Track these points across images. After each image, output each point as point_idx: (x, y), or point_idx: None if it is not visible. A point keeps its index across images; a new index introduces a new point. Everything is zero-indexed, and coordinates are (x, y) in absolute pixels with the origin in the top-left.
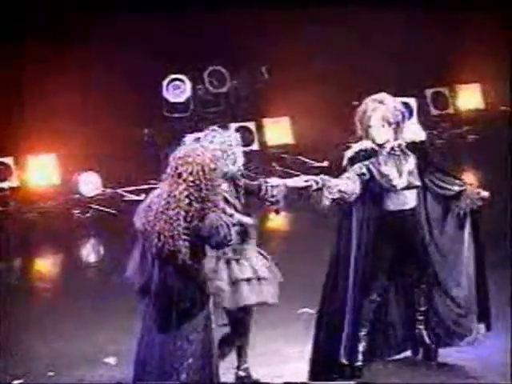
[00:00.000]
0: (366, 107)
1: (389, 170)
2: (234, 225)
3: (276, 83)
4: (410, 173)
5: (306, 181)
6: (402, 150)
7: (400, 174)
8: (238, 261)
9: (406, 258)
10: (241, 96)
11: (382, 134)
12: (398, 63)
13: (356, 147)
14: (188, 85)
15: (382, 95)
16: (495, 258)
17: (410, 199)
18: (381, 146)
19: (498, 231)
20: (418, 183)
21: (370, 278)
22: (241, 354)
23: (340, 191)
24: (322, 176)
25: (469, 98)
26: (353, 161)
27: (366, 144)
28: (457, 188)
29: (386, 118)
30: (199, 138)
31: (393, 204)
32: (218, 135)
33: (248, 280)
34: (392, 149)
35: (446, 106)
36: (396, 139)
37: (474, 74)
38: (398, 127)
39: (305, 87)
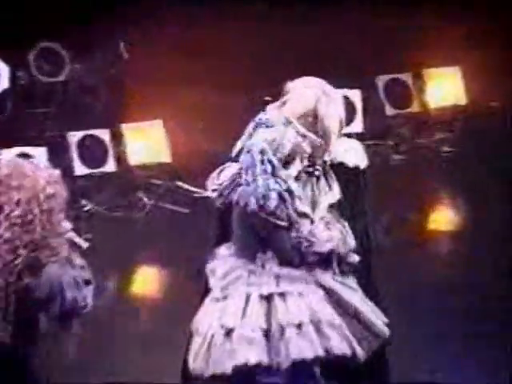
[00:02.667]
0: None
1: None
2: (88, 282)
3: (142, 74)
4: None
5: None
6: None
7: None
8: None
9: None
10: (87, 88)
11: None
12: (290, 60)
13: None
14: (4, 72)
15: None
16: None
17: None
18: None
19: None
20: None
21: None
22: None
23: None
24: None
25: None
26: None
27: None
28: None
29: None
30: None
31: None
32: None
33: None
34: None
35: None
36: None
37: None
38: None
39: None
